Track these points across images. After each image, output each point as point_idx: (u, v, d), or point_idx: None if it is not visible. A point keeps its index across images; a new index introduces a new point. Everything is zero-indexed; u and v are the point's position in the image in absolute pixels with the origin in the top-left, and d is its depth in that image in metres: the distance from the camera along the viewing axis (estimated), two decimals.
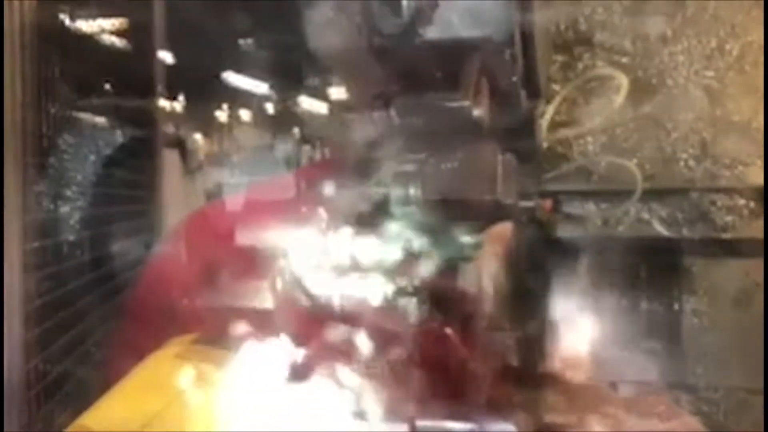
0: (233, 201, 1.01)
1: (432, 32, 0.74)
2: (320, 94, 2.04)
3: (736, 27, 0.99)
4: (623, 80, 0.99)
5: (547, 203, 1.00)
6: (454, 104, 0.75)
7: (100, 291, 1.13)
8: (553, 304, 1.07)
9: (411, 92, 0.77)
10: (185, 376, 0.63)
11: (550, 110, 1.00)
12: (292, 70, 2.11)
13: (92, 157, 1.20)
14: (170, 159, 1.83)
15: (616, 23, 1.01)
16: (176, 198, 1.67)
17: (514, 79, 0.81)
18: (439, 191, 0.78)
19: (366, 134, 0.79)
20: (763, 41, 0.97)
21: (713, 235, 1.00)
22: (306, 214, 0.89)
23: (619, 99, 0.99)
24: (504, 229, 0.91)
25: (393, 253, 0.82)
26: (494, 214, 0.83)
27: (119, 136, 1.31)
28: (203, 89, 2.27)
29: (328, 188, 0.89)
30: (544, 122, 0.98)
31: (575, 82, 1.01)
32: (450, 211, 0.80)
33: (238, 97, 2.42)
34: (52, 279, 1.02)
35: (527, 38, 0.79)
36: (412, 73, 0.77)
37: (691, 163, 1.00)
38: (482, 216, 0.83)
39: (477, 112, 0.75)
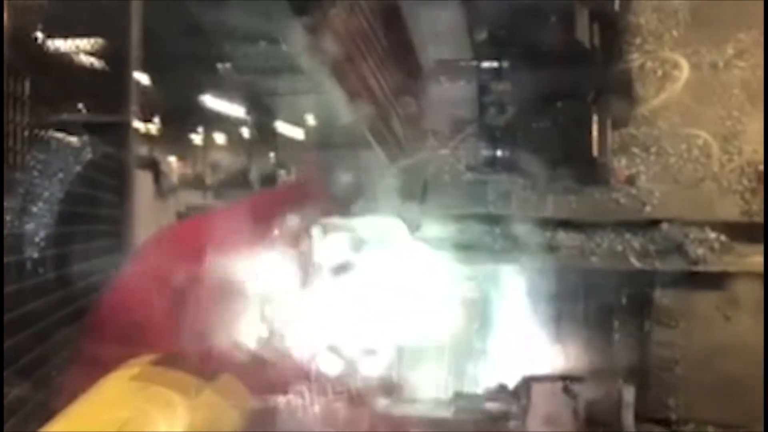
0: (200, 221, 1.00)
1: None
2: (297, 120, 2.03)
3: None
4: (684, 66, 0.98)
5: (622, 173, 0.98)
6: (566, 47, 0.77)
7: (63, 310, 1.10)
8: (524, 335, 1.06)
9: (522, 37, 0.78)
10: (141, 398, 0.61)
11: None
12: (269, 95, 2.10)
13: (60, 175, 1.18)
14: (142, 180, 1.80)
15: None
16: (147, 219, 1.64)
17: (618, 32, 0.82)
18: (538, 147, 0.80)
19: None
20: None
21: (685, 268, 1.00)
22: (275, 237, 0.87)
23: (678, 85, 0.99)
24: None
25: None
26: (589, 173, 0.83)
27: (89, 155, 1.29)
28: (179, 112, 2.25)
29: (301, 212, 0.88)
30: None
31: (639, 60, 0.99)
32: (545, 168, 0.79)
33: (213, 121, 2.41)
34: (12, 297, 0.99)
35: None
36: (526, 15, 0.79)
37: (666, 199, 1.00)
38: (578, 175, 0.83)
39: (589, 56, 0.77)
